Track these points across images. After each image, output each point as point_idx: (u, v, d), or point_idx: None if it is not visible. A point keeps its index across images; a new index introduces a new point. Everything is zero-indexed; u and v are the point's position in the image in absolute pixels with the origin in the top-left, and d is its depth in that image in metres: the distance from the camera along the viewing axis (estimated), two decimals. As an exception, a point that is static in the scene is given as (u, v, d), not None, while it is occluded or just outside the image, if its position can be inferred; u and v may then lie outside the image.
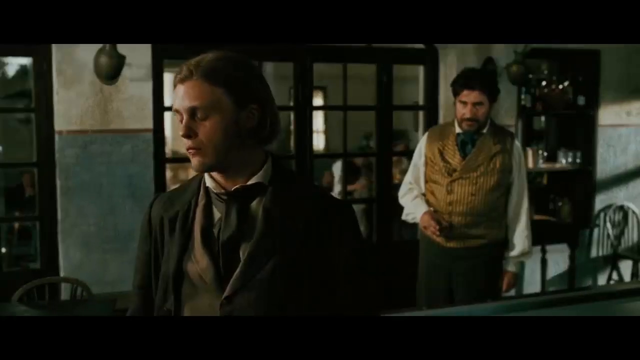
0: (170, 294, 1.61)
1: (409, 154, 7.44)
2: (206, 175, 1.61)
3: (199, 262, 1.57)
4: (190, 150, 1.52)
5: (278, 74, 8.32)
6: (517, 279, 3.65)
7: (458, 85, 3.44)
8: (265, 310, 1.53)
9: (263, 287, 1.52)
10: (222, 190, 1.57)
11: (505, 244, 3.51)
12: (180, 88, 1.52)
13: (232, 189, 1.56)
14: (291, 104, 5.23)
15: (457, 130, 3.51)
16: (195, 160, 1.53)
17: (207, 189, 1.61)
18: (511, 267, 3.53)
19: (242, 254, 1.54)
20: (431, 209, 3.52)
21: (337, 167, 7.27)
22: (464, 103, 3.40)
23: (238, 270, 1.54)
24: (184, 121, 1.52)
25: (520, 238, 3.49)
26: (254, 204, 1.57)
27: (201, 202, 1.61)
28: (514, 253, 3.51)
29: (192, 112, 1.51)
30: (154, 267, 1.67)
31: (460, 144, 3.50)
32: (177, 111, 1.53)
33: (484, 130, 3.47)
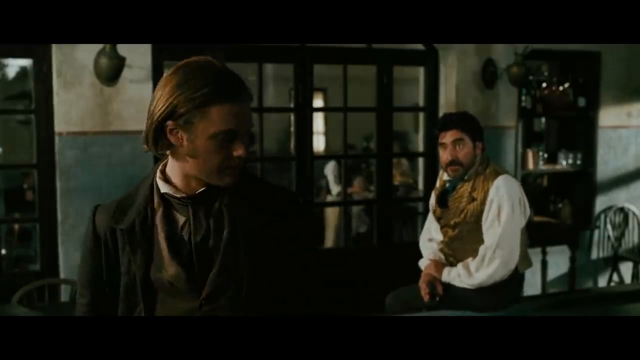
0: (139, 305, 1.59)
1: (408, 155, 7.52)
2: (159, 181, 1.59)
3: (167, 270, 1.56)
4: (233, 169, 1.54)
5: (278, 76, 8.33)
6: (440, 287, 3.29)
7: (436, 130, 3.30)
8: (243, 307, 1.55)
9: (239, 284, 1.54)
10: (184, 195, 1.56)
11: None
12: (241, 108, 1.50)
13: (198, 192, 1.55)
14: (291, 105, 5.22)
15: (445, 177, 3.38)
16: (234, 178, 1.54)
17: (162, 195, 1.59)
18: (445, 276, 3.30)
19: (216, 253, 1.55)
20: (434, 260, 3.38)
21: (329, 169, 7.21)
22: (444, 146, 3.23)
23: (215, 269, 1.54)
24: (244, 143, 1.52)
25: (462, 270, 3.22)
26: (216, 204, 1.56)
27: (159, 209, 1.59)
28: (450, 274, 3.27)
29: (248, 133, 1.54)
30: (108, 282, 1.62)
31: (441, 193, 3.37)
32: (233, 131, 1.50)
33: (466, 177, 3.24)
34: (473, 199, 3.20)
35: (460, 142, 3.20)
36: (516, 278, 3.24)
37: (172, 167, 1.58)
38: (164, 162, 1.62)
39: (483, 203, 3.18)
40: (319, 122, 9.34)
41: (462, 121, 3.25)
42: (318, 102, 8.70)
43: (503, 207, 3.13)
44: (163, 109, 1.52)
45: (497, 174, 3.21)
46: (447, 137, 3.22)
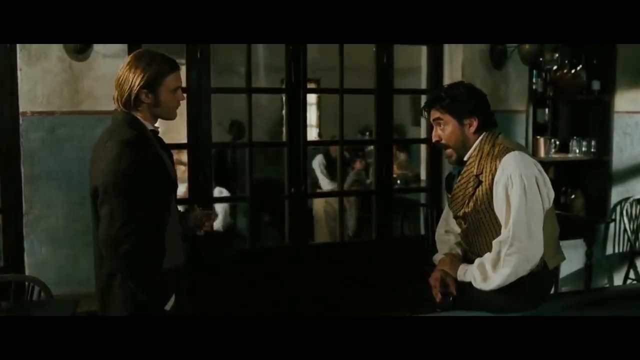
0: None
1: (410, 141, 7.18)
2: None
3: None
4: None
5: (269, 66, 7.97)
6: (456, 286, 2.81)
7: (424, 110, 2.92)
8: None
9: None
10: None
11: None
12: (179, 72, 2.54)
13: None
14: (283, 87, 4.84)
15: None
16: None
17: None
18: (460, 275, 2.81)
19: None
20: (449, 255, 2.93)
21: (316, 163, 6.84)
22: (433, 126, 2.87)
23: None
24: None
25: (476, 268, 2.71)
26: None
27: None
28: (466, 275, 2.77)
29: None
30: None
31: (447, 179, 2.97)
32: (179, 86, 2.55)
33: (467, 158, 2.79)
34: (480, 182, 2.71)
35: (440, 122, 2.78)
36: (545, 276, 2.75)
37: None
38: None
39: (492, 186, 2.70)
40: (312, 115, 9.02)
41: (440, 99, 2.78)
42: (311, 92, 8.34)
43: (512, 189, 2.61)
44: (140, 81, 2.40)
45: (506, 150, 2.70)
46: (430, 117, 2.82)
